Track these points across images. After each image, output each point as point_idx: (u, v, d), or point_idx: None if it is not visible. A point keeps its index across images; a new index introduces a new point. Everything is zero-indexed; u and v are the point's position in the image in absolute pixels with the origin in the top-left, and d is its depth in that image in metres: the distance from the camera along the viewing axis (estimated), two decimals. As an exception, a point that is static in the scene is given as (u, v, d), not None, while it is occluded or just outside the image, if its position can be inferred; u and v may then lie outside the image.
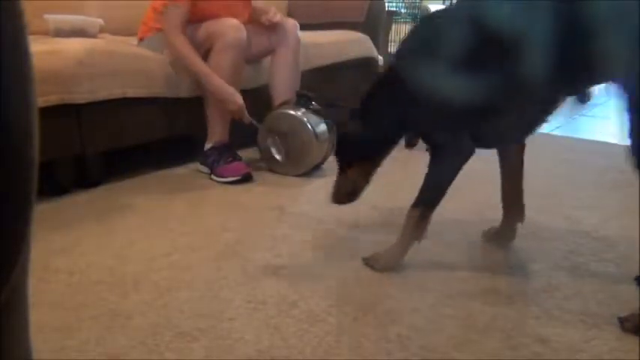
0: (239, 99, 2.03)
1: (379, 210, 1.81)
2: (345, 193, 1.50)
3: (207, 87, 2.04)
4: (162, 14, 2.04)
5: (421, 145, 1.48)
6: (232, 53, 2.03)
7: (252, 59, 2.29)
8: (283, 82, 2.25)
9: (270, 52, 2.29)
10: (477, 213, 1.78)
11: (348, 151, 1.49)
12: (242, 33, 2.04)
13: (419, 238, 1.37)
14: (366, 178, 1.49)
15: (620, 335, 1.11)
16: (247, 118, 2.10)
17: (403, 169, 2.28)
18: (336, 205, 1.51)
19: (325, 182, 2.11)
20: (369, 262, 1.40)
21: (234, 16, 2.12)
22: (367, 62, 3.18)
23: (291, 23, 2.30)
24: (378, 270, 1.37)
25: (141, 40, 2.22)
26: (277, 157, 2.17)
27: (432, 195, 1.35)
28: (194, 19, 2.06)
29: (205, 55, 2.05)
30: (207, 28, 2.06)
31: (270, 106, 2.24)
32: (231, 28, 2.02)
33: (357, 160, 1.48)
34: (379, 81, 1.46)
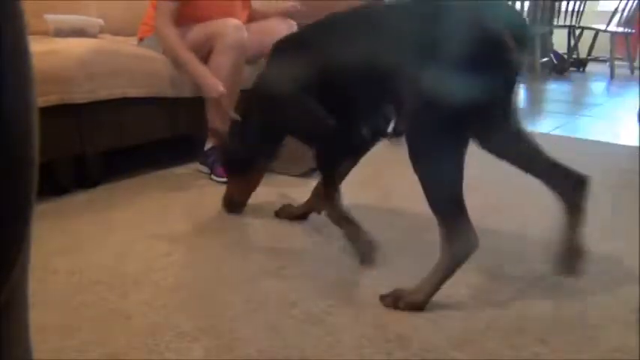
0: (220, 87, 2.01)
1: (379, 210, 1.81)
2: (230, 205, 1.72)
3: (191, 74, 2.04)
4: (155, 9, 2.05)
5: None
6: (233, 54, 2.03)
7: (250, 59, 2.29)
8: None
9: (267, 52, 2.28)
10: (477, 213, 1.77)
11: (228, 166, 1.72)
12: (243, 33, 2.04)
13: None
14: (246, 194, 1.71)
15: (620, 335, 1.11)
16: (228, 108, 2.08)
17: (398, 167, 2.28)
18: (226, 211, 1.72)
19: (325, 182, 2.11)
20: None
21: (233, 16, 2.12)
22: (367, 62, 3.17)
23: (287, 23, 2.29)
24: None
25: (141, 40, 2.22)
26: None
27: None
28: (193, 19, 2.06)
29: (207, 56, 2.05)
30: (207, 28, 2.06)
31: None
32: (232, 28, 2.02)
33: (236, 175, 1.68)
34: (254, 95, 1.62)
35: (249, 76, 2.30)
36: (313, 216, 1.74)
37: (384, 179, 2.15)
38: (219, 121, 2.12)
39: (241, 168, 1.68)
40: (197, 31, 2.07)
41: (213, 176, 2.09)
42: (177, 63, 2.08)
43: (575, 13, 5.52)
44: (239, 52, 2.04)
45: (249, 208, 1.81)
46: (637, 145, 2.72)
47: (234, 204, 1.73)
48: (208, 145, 2.14)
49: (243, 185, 1.71)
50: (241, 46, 2.04)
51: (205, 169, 2.14)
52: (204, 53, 2.05)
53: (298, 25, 2.36)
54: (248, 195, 1.74)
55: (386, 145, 1.52)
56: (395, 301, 1.19)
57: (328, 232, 1.63)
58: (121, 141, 2.04)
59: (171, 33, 2.03)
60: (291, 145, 2.12)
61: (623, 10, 5.65)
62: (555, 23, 5.69)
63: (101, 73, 1.87)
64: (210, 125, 2.12)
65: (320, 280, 1.32)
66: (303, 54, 1.43)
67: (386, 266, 1.41)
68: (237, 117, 2.11)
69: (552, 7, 5.48)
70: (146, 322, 1.13)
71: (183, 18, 2.07)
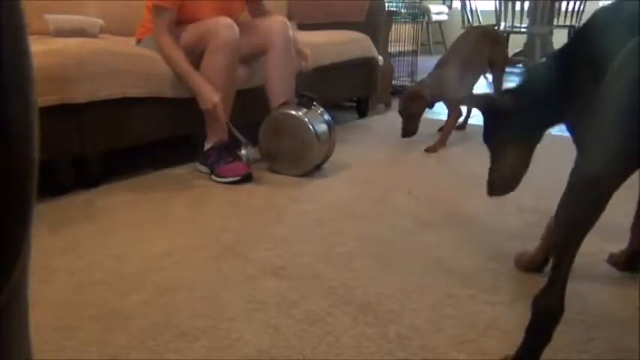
0: (215, 97, 2.02)
1: (379, 209, 1.81)
2: (504, 182, 1.36)
3: (187, 83, 2.05)
4: (151, 15, 2.05)
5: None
6: (226, 52, 2.03)
7: (246, 60, 2.29)
8: (278, 84, 2.24)
9: (262, 52, 2.27)
10: (480, 212, 1.78)
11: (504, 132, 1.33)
12: (234, 32, 2.04)
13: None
14: (526, 161, 1.34)
15: (620, 335, 1.11)
16: (222, 118, 2.08)
17: (400, 162, 2.28)
18: (496, 197, 1.39)
19: (325, 182, 2.11)
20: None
21: (227, 15, 2.13)
22: (367, 62, 3.18)
23: (280, 22, 2.27)
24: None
25: (139, 41, 2.22)
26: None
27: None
28: (186, 19, 2.07)
29: (200, 56, 2.05)
30: (199, 28, 2.06)
31: (267, 106, 2.23)
32: (223, 27, 2.03)
33: (515, 140, 1.32)
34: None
35: (246, 76, 2.31)
36: (313, 215, 1.74)
37: (387, 174, 2.15)
38: (216, 127, 2.12)
39: (529, 129, 1.33)
40: (190, 32, 2.07)
41: (213, 176, 2.09)
42: (174, 71, 2.08)
43: (575, 13, 5.52)
44: (231, 51, 2.04)
45: (248, 208, 1.82)
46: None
47: (515, 178, 1.36)
48: (208, 145, 2.14)
49: (524, 152, 1.35)
50: (233, 46, 2.04)
51: (205, 169, 2.14)
52: (198, 53, 2.05)
53: (298, 25, 2.36)
54: (528, 164, 1.37)
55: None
56: None
57: (328, 232, 1.63)
58: (121, 141, 2.04)
59: (168, 42, 2.03)
60: (292, 145, 2.13)
61: (623, 10, 5.64)
62: (555, 23, 5.70)
63: (101, 73, 1.88)
64: (211, 132, 2.12)
65: (320, 280, 1.32)
66: None
67: (386, 266, 1.41)
68: (233, 128, 2.11)
69: (552, 7, 5.48)
70: (146, 322, 1.13)
71: (178, 19, 2.07)
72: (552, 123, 1.31)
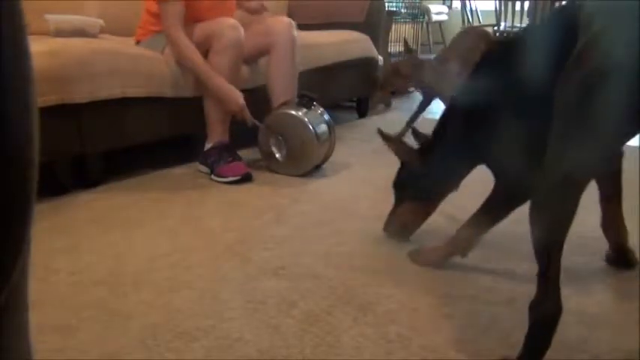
0: (240, 99, 2.04)
1: (379, 209, 1.81)
2: (401, 232, 1.53)
3: (208, 87, 2.04)
4: (160, 15, 2.04)
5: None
6: (231, 53, 2.03)
7: (248, 59, 2.29)
8: (280, 84, 2.23)
9: (265, 52, 2.27)
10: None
11: (412, 190, 1.48)
12: (239, 32, 2.04)
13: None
14: (422, 220, 1.50)
15: (620, 335, 1.11)
16: (250, 118, 2.10)
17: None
18: (390, 236, 1.55)
19: (325, 182, 2.11)
20: (412, 257, 1.43)
21: (229, 15, 2.13)
22: (367, 62, 3.18)
23: (285, 23, 2.27)
24: (420, 265, 1.41)
25: (138, 42, 2.22)
26: (277, 155, 2.16)
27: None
28: (191, 19, 2.06)
29: (204, 56, 2.05)
30: (204, 28, 2.06)
31: (269, 106, 2.23)
32: (228, 28, 2.03)
33: (416, 197, 1.47)
34: (456, 107, 1.36)
35: (247, 76, 2.31)
36: (313, 215, 1.74)
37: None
38: (220, 126, 2.12)
39: (429, 193, 1.45)
40: (195, 32, 2.07)
41: (213, 176, 2.09)
42: (191, 71, 2.07)
43: (575, 13, 5.52)
44: (236, 51, 2.04)
45: (249, 208, 1.82)
46: (637, 145, 2.72)
47: (405, 231, 1.52)
48: (208, 145, 2.14)
49: (420, 211, 1.49)
50: (238, 46, 2.04)
51: (205, 169, 2.14)
52: (202, 53, 2.05)
53: (298, 25, 2.36)
54: (423, 222, 1.51)
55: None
56: None
57: (328, 232, 1.63)
58: (121, 141, 2.04)
59: (182, 39, 2.01)
60: (292, 145, 2.13)
61: (623, 10, 5.64)
62: (555, 23, 5.70)
63: (101, 73, 1.88)
64: (211, 131, 2.12)
65: (320, 280, 1.32)
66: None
67: (386, 266, 1.41)
68: (258, 123, 2.12)
69: (552, 7, 5.48)
70: (146, 322, 1.13)
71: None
72: (466, 173, 1.41)
